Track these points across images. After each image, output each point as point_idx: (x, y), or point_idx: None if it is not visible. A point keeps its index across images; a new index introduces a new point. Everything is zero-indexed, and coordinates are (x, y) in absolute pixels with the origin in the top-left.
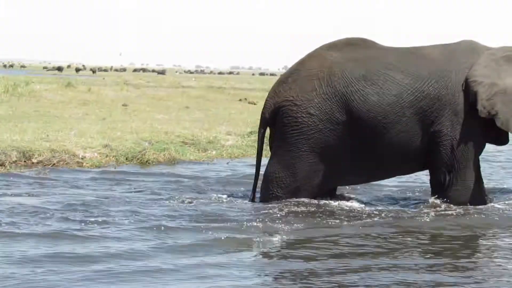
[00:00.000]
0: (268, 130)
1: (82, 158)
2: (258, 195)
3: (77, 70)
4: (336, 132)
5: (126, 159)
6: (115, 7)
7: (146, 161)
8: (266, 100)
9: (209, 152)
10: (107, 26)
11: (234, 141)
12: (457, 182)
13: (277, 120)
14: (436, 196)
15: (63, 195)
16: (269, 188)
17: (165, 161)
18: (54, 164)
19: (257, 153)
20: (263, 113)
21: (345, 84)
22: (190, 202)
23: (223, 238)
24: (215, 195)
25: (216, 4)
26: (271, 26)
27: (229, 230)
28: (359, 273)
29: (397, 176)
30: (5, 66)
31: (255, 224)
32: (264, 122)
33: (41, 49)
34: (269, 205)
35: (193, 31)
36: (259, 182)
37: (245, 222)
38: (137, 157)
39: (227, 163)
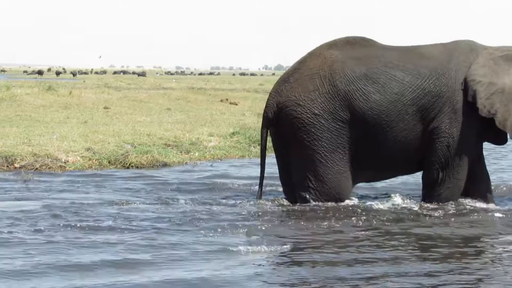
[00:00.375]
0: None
1: (65, 162)
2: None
3: (58, 73)
4: (343, 130)
5: (109, 162)
6: (94, 10)
7: (129, 164)
8: (268, 99)
9: (192, 153)
10: (86, 29)
11: (217, 142)
12: (449, 180)
13: (280, 119)
14: (427, 192)
15: (49, 199)
16: (303, 194)
17: (148, 164)
18: (37, 168)
19: (261, 152)
20: (265, 113)
21: (346, 83)
22: (187, 205)
23: (226, 244)
24: (208, 198)
25: (196, 5)
26: (250, 26)
27: (234, 234)
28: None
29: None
30: None
31: (262, 227)
32: (267, 122)
33: (21, 53)
34: (275, 207)
35: (173, 32)
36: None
37: (253, 225)
38: (120, 160)
39: (211, 165)
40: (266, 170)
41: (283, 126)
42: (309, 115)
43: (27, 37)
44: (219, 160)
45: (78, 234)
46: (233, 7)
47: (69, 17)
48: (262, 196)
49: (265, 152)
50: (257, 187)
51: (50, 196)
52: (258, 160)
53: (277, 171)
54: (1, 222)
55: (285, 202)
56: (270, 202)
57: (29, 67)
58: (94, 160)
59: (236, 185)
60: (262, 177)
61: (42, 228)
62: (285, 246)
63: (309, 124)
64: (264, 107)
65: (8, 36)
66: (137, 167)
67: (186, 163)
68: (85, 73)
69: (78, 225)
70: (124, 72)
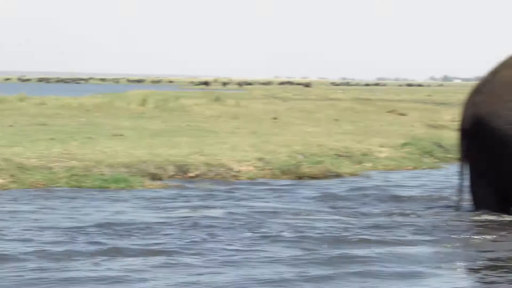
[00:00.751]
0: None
1: (237, 172)
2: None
3: (224, 84)
4: None
5: (282, 172)
6: (260, 21)
7: (302, 174)
8: (463, 111)
9: (364, 164)
10: (251, 40)
11: (388, 153)
12: None
13: (478, 131)
14: None
15: (227, 208)
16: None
17: (320, 174)
18: (210, 177)
19: (460, 164)
20: (462, 125)
21: None
22: (376, 216)
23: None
24: (396, 208)
25: (361, 17)
26: (416, 35)
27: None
28: None
29: None
30: (153, 81)
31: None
32: (465, 134)
33: (187, 63)
34: (471, 219)
35: (338, 43)
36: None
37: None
38: (292, 170)
39: (384, 176)
40: (446, 181)
41: (482, 138)
42: (510, 126)
43: (194, 48)
44: (392, 171)
45: (263, 246)
46: (397, 18)
47: (234, 29)
48: (459, 208)
49: (464, 164)
50: (437, 198)
51: (228, 205)
52: (431, 171)
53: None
54: (182, 230)
55: (481, 213)
56: (464, 213)
57: (195, 78)
58: (266, 170)
59: (418, 196)
60: (460, 188)
61: (222, 237)
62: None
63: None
64: (438, 118)
65: (176, 47)
66: (310, 177)
67: (358, 174)
68: (251, 83)
69: (262, 236)
70: (290, 83)
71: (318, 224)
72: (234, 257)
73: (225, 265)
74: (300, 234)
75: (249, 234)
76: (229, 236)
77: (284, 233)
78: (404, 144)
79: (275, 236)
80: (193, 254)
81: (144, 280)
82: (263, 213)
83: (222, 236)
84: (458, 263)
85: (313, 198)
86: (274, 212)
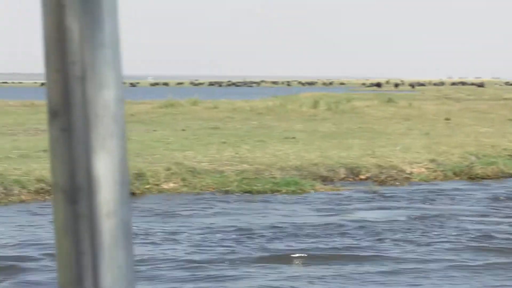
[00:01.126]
0: None
1: (409, 174)
2: None
3: (396, 85)
4: None
5: (454, 173)
6: (424, 23)
7: (474, 176)
8: None
9: None
10: (423, 41)
11: None
12: None
13: None
14: None
15: (408, 210)
16: None
17: (493, 175)
18: (382, 180)
19: None
20: None
21: None
22: None
23: None
24: None
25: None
26: None
27: None
28: None
29: None
30: (324, 84)
31: None
32: None
33: (359, 65)
34: None
35: (511, 41)
36: None
37: None
38: (465, 171)
39: None
40: None
41: None
42: None
43: (367, 50)
44: None
45: (445, 253)
46: None
47: (407, 30)
48: None
49: None
50: None
51: (401, 207)
52: None
53: None
54: (357, 234)
55: None
56: None
57: (367, 80)
58: (438, 172)
59: None
60: None
61: (398, 241)
62: None
63: None
64: None
65: (348, 50)
66: (482, 178)
67: None
68: (423, 84)
69: (441, 241)
70: (463, 83)
71: (502, 227)
72: (421, 266)
73: (403, 274)
74: (488, 238)
75: (427, 239)
76: (407, 241)
77: (471, 238)
78: None
79: (457, 241)
80: (366, 260)
81: None
82: (439, 216)
83: (399, 241)
84: None
85: (489, 199)
86: (451, 214)
